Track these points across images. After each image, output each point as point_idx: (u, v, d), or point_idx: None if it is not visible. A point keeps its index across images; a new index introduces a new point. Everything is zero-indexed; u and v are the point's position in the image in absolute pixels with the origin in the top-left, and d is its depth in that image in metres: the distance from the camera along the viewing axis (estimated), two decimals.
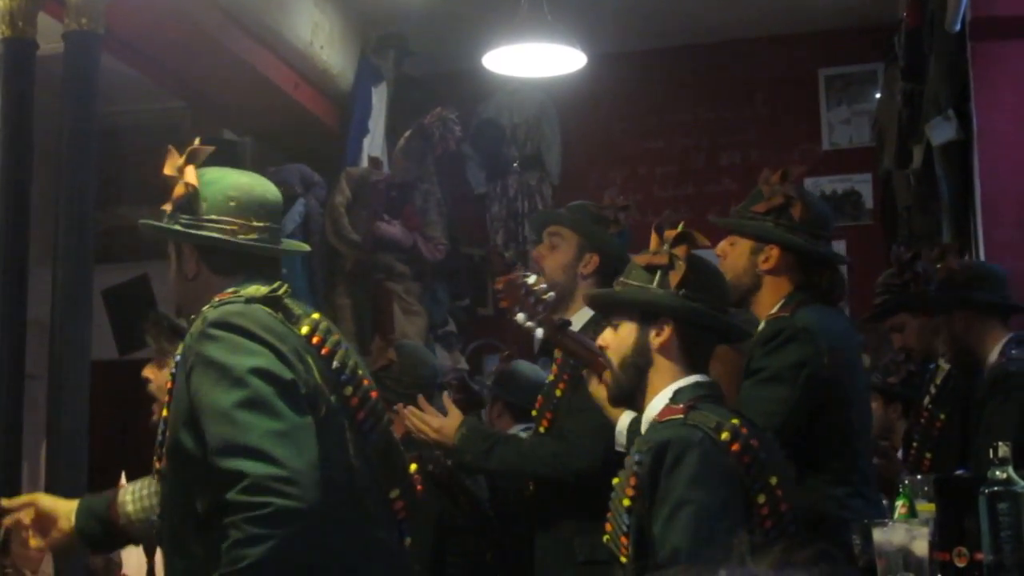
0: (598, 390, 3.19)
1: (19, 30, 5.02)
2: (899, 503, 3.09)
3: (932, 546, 2.85)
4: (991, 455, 2.81)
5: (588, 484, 3.53)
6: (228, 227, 2.80)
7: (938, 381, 4.64)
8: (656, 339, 2.87)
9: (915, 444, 4.61)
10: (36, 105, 5.10)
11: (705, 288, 2.90)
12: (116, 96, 6.63)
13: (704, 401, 2.81)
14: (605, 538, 2.88)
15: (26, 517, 3.25)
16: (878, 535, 2.82)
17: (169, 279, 2.95)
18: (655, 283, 2.89)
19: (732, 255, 3.61)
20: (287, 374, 2.61)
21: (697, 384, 2.86)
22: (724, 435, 2.70)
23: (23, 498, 3.32)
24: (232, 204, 2.81)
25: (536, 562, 3.94)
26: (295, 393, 2.60)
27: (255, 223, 2.82)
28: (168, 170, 2.84)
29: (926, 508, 3.10)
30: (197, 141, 2.90)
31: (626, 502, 2.77)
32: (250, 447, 2.49)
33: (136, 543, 3.65)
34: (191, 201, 2.80)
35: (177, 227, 2.80)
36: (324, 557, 2.61)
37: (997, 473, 2.78)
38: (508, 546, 4.44)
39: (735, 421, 2.74)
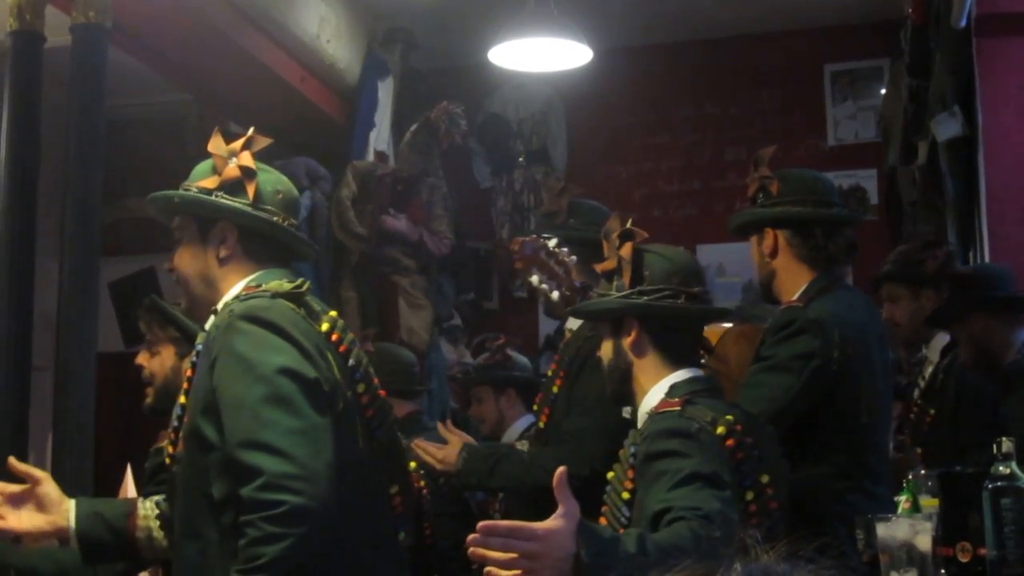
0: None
1: (27, 23, 5.03)
2: (903, 498, 3.09)
3: (936, 541, 2.85)
4: (994, 450, 2.82)
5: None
6: (275, 217, 2.85)
7: (926, 374, 4.63)
8: (627, 340, 2.91)
9: (904, 438, 4.61)
10: (43, 98, 5.11)
11: (659, 279, 2.90)
12: (123, 89, 6.65)
13: (700, 396, 2.82)
14: None
15: (14, 488, 3.07)
16: (881, 530, 2.82)
17: (184, 262, 2.92)
18: (614, 288, 2.94)
19: (752, 254, 3.65)
20: (311, 373, 2.64)
21: (693, 379, 2.88)
22: (719, 430, 2.71)
23: (36, 471, 3.10)
24: (279, 197, 2.88)
25: None
26: (318, 392, 2.64)
27: (292, 220, 2.90)
28: (215, 150, 2.86)
29: (930, 503, 3.10)
30: (251, 131, 2.92)
31: (625, 495, 2.79)
32: (270, 444, 2.53)
33: (141, 563, 3.44)
34: (242, 185, 2.84)
35: (235, 205, 2.82)
36: (336, 551, 2.65)
37: (1001, 468, 2.78)
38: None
39: (730, 417, 2.75)
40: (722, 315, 3.28)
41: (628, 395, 2.96)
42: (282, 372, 2.60)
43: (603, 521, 2.86)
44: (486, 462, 3.80)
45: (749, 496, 2.72)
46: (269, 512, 2.47)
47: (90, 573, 3.32)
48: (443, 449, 3.84)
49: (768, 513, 2.74)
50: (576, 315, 3.09)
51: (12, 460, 3.11)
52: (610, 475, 2.89)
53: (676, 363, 2.90)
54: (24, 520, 3.04)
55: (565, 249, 3.61)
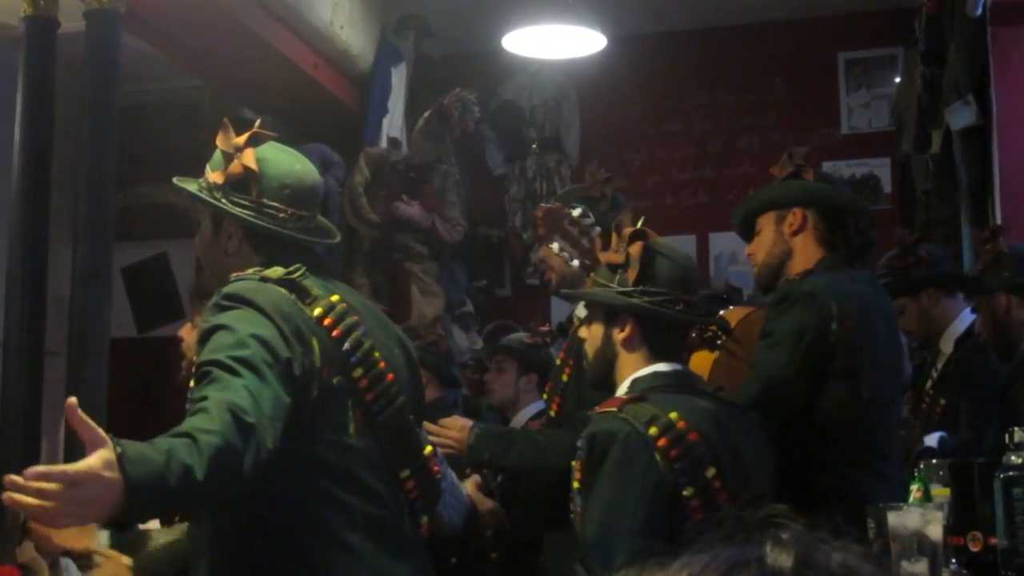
0: None
1: (40, 8, 5.04)
2: (914, 487, 3.08)
3: (946, 530, 2.85)
4: (1007, 440, 2.81)
5: None
6: (280, 214, 2.82)
7: (939, 365, 4.62)
8: (619, 335, 3.00)
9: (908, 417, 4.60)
10: (57, 83, 5.12)
11: (661, 283, 2.97)
12: (136, 75, 6.66)
13: (657, 391, 2.89)
14: (572, 516, 2.98)
15: None
16: (892, 519, 2.81)
17: (200, 248, 2.96)
18: (616, 281, 3.00)
19: (762, 239, 3.58)
20: (285, 352, 2.61)
21: (655, 374, 2.96)
22: (652, 430, 2.78)
23: None
24: (286, 192, 2.83)
25: (546, 555, 3.98)
26: (287, 371, 2.60)
27: (302, 212, 2.86)
28: (223, 145, 2.85)
29: (941, 492, 3.09)
30: (257, 123, 2.92)
31: (575, 484, 2.89)
32: (234, 368, 2.49)
33: None
34: (247, 182, 2.82)
35: (237, 210, 2.81)
36: (313, 534, 2.66)
37: (1012, 458, 2.78)
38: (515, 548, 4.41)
39: (674, 414, 2.81)
40: (704, 321, 3.34)
41: (611, 383, 3.05)
42: (258, 339, 2.56)
43: (572, 506, 2.98)
44: (500, 440, 3.78)
45: (687, 492, 2.78)
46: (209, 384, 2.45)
47: None
48: (451, 427, 3.79)
49: (715, 507, 2.77)
50: (569, 299, 3.14)
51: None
52: (574, 462, 2.95)
53: (659, 358, 2.99)
54: None
55: (590, 220, 3.62)
